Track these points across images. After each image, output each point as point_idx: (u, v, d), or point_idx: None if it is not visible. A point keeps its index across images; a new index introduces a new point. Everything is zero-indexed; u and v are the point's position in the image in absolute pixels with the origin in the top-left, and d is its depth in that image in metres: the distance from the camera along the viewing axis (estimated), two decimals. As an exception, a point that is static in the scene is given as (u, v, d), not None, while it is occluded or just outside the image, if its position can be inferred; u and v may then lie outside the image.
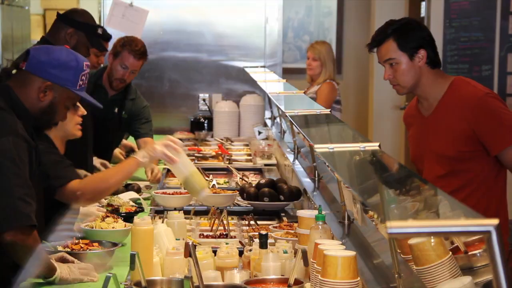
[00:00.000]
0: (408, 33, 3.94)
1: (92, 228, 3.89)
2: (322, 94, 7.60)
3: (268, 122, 7.63)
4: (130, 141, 6.79)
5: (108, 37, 5.81)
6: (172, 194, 4.61)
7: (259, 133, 7.20)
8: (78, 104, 3.98)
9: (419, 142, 4.10)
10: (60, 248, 3.47)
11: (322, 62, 7.69)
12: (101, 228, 3.87)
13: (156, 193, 4.66)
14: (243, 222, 4.40)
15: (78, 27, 4.99)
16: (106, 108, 6.06)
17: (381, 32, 4.00)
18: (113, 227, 3.88)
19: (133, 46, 6.06)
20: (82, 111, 4.05)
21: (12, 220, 3.08)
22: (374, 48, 4.02)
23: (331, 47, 7.89)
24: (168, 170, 5.93)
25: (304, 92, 7.34)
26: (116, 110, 6.09)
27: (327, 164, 3.34)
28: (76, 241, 3.59)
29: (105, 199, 4.44)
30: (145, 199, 4.76)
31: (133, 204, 4.61)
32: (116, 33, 7.35)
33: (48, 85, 3.28)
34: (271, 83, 6.28)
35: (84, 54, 4.99)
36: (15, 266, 3.24)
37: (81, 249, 3.51)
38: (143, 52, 6.08)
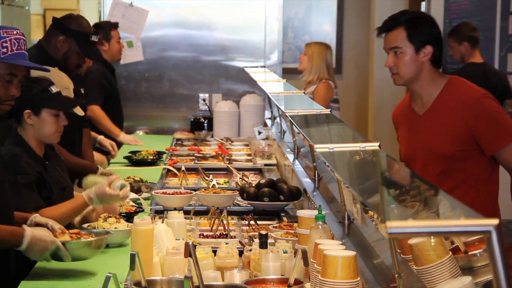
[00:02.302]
0: (420, 26, 3.92)
1: (94, 228, 3.88)
2: (319, 94, 7.55)
3: (268, 122, 7.63)
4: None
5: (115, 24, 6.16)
6: (172, 194, 4.61)
7: (259, 133, 7.20)
8: (61, 113, 3.89)
9: (411, 141, 4.09)
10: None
11: (309, 57, 7.61)
12: (104, 228, 3.87)
13: (156, 193, 4.66)
14: (243, 222, 4.40)
15: (69, 35, 4.94)
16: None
17: (393, 18, 3.96)
18: (115, 227, 3.88)
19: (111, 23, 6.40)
20: (64, 120, 3.95)
21: None
22: (383, 34, 3.98)
23: (326, 49, 7.74)
24: (168, 170, 5.93)
25: None
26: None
27: (327, 164, 3.34)
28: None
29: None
30: (145, 199, 4.76)
31: (133, 204, 4.61)
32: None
33: None
34: (271, 83, 6.27)
35: (76, 61, 4.96)
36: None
37: (72, 239, 3.43)
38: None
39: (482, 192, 3.96)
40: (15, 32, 3.25)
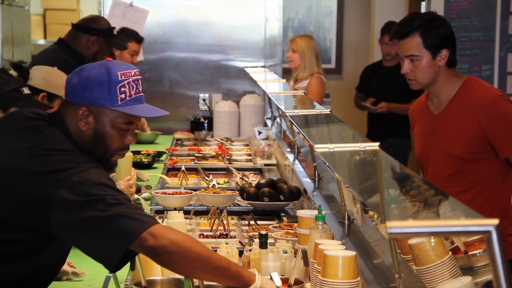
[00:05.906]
0: (434, 29, 3.84)
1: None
2: (312, 89, 7.35)
3: (268, 122, 7.63)
4: None
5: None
6: (172, 194, 4.60)
7: (259, 133, 7.20)
8: None
9: (425, 140, 4.04)
10: None
11: (300, 54, 7.51)
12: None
13: (156, 193, 4.66)
14: (243, 222, 4.40)
15: (99, 34, 5.69)
16: None
17: (406, 24, 3.87)
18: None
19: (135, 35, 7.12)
20: None
21: None
22: (395, 39, 3.91)
23: (312, 41, 7.60)
24: (168, 170, 5.92)
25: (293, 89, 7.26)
26: None
27: (327, 164, 3.34)
28: None
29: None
30: (145, 199, 4.76)
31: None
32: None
33: (84, 110, 2.81)
34: (271, 83, 6.27)
35: (102, 59, 5.22)
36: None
37: None
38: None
39: (494, 195, 3.89)
40: (133, 73, 2.83)
